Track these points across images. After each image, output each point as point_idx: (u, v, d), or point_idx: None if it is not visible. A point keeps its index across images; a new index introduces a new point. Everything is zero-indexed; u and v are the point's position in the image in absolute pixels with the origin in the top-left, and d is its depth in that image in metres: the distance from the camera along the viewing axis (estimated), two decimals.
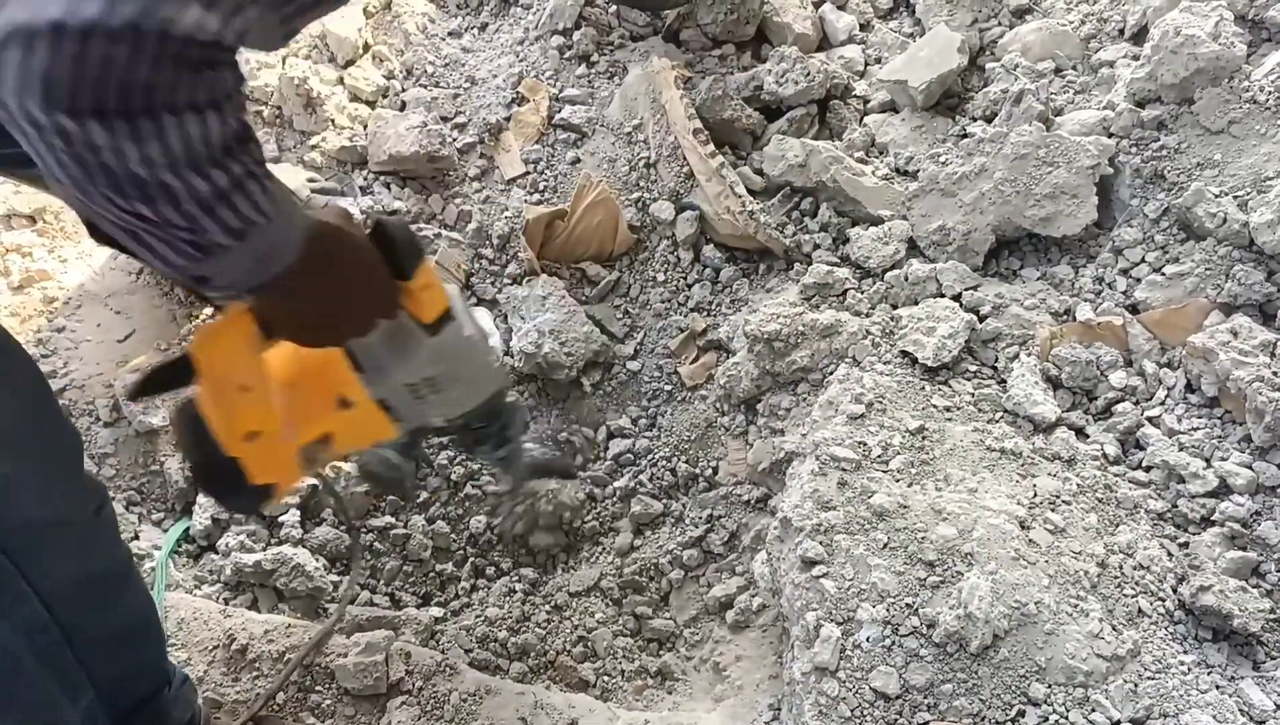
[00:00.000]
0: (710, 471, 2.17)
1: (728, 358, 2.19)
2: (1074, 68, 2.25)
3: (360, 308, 1.17)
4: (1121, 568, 1.61)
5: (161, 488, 2.12)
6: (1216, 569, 1.58)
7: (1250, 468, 1.67)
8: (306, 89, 2.53)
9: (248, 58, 2.61)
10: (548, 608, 2.11)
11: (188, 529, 2.02)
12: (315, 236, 1.03)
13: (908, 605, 1.56)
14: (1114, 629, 1.53)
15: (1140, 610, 1.57)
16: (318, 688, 1.76)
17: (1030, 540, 1.60)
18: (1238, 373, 1.69)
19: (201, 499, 2.05)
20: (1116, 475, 1.74)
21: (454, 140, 2.50)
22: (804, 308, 2.08)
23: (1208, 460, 1.71)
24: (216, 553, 2.01)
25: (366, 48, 2.71)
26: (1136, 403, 1.82)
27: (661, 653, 2.06)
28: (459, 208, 2.45)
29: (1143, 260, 1.94)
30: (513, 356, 2.26)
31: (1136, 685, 1.49)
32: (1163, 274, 1.89)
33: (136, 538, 1.99)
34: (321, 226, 1.06)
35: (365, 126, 2.55)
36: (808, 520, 1.69)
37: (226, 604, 1.92)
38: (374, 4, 2.76)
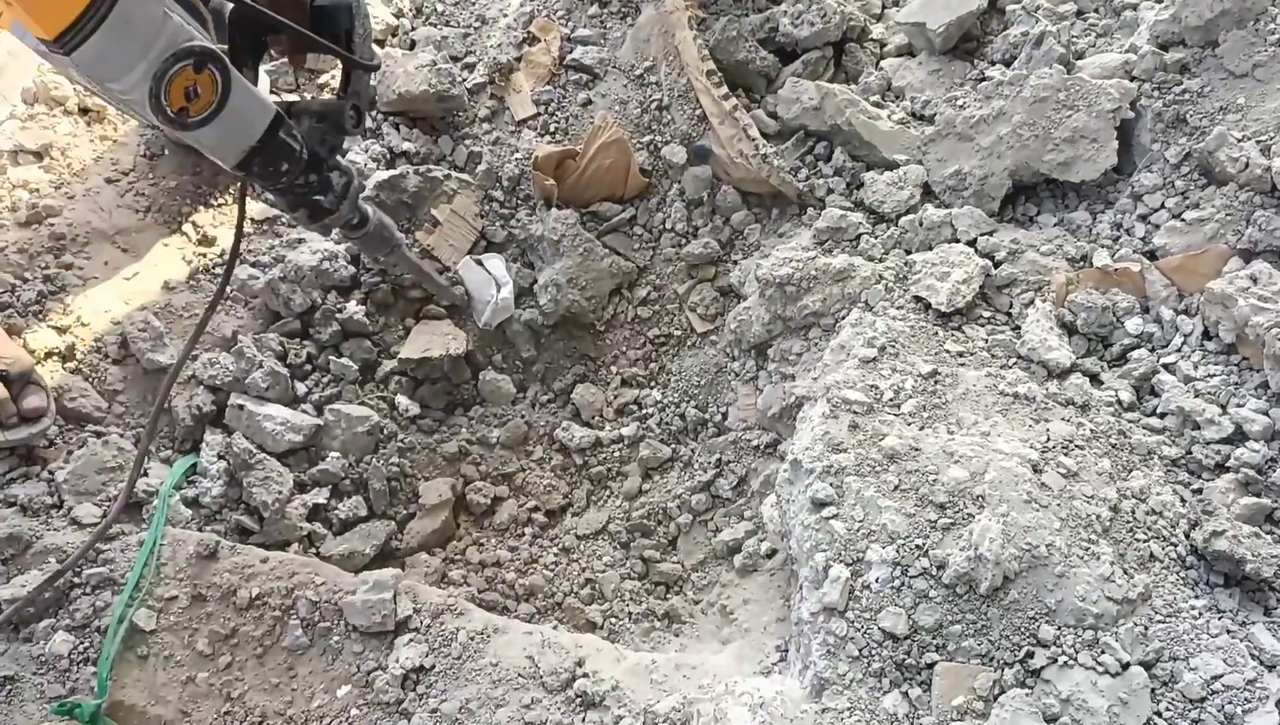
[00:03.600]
0: (719, 417, 2.17)
1: (739, 303, 2.18)
2: (1096, 10, 2.21)
3: None
4: (1134, 512, 1.60)
5: (169, 425, 2.11)
6: (1230, 515, 1.57)
7: (1267, 414, 1.65)
8: None
9: None
10: (556, 550, 2.12)
11: (194, 464, 2.02)
12: None
13: (917, 547, 1.56)
14: (1125, 573, 1.52)
15: (1152, 555, 1.56)
16: (325, 622, 1.77)
17: (1042, 484, 1.59)
18: (1256, 318, 1.66)
19: (208, 437, 2.05)
20: (1131, 422, 1.73)
21: (464, 80, 2.47)
22: (816, 252, 2.06)
23: (1223, 407, 1.69)
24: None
25: None
26: (1153, 349, 1.80)
27: (669, 596, 2.06)
28: (469, 149, 2.43)
29: (1162, 206, 1.91)
30: (539, 304, 2.26)
31: (1147, 628, 1.48)
32: (1182, 220, 1.86)
33: (145, 473, 1.98)
34: None
35: None
36: (818, 462, 1.68)
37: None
38: None
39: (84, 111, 2.47)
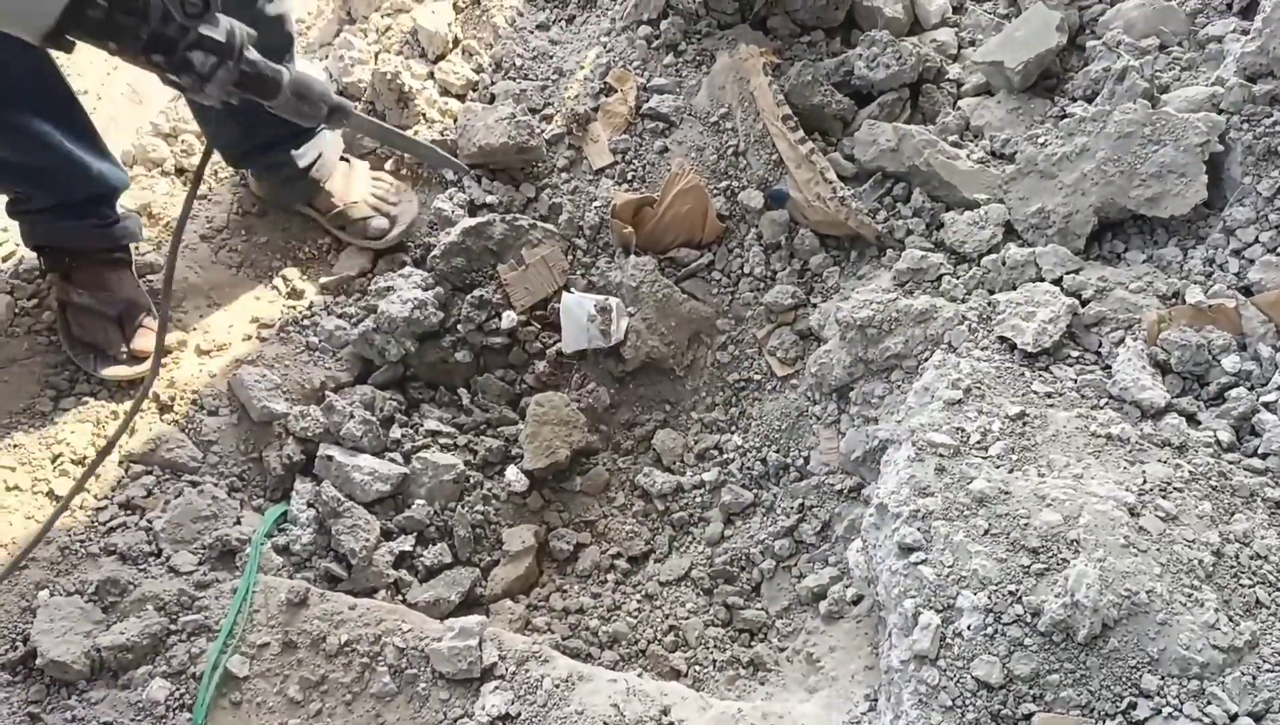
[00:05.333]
0: (801, 461, 2.15)
1: (819, 346, 2.16)
2: (1179, 44, 2.17)
3: None
4: (1238, 557, 1.54)
5: (261, 475, 2.17)
6: None
7: None
8: (399, 84, 2.57)
9: (340, 54, 2.67)
10: (639, 596, 2.11)
11: (285, 513, 2.06)
12: None
13: (1010, 593, 1.52)
14: (1230, 620, 1.47)
15: (1258, 601, 1.50)
16: (411, 669, 1.78)
17: (1140, 528, 1.55)
18: None
19: (298, 486, 2.10)
20: (1231, 463, 1.67)
21: (542, 131, 2.52)
22: (897, 294, 2.05)
23: None
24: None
25: (456, 42, 2.74)
26: (1251, 388, 1.75)
27: (753, 643, 2.04)
28: (549, 200, 2.47)
29: (1256, 240, 1.86)
30: (622, 350, 2.29)
31: (1255, 678, 1.43)
32: (1277, 254, 1.81)
33: (239, 522, 2.03)
34: None
35: (455, 120, 2.58)
36: (905, 506, 1.65)
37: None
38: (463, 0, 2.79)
39: (180, 172, 2.56)
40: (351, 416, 2.15)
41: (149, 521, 2.00)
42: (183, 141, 2.60)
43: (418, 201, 2.51)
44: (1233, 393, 1.74)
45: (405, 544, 2.07)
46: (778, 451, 2.19)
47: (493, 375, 2.33)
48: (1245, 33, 2.04)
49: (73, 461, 2.07)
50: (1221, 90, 1.97)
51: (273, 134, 2.28)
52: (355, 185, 2.48)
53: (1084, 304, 1.91)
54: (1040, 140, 2.11)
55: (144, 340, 2.20)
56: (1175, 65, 2.13)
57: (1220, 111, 1.96)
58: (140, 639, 1.79)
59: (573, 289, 2.34)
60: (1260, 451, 1.68)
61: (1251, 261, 1.84)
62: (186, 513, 2.00)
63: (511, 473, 2.18)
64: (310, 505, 2.07)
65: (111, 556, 1.95)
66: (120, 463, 2.08)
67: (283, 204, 2.51)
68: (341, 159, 2.50)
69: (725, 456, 2.24)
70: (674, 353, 2.31)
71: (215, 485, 2.07)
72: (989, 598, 1.52)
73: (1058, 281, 1.96)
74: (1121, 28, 2.23)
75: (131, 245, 2.29)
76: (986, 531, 1.59)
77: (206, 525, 2.00)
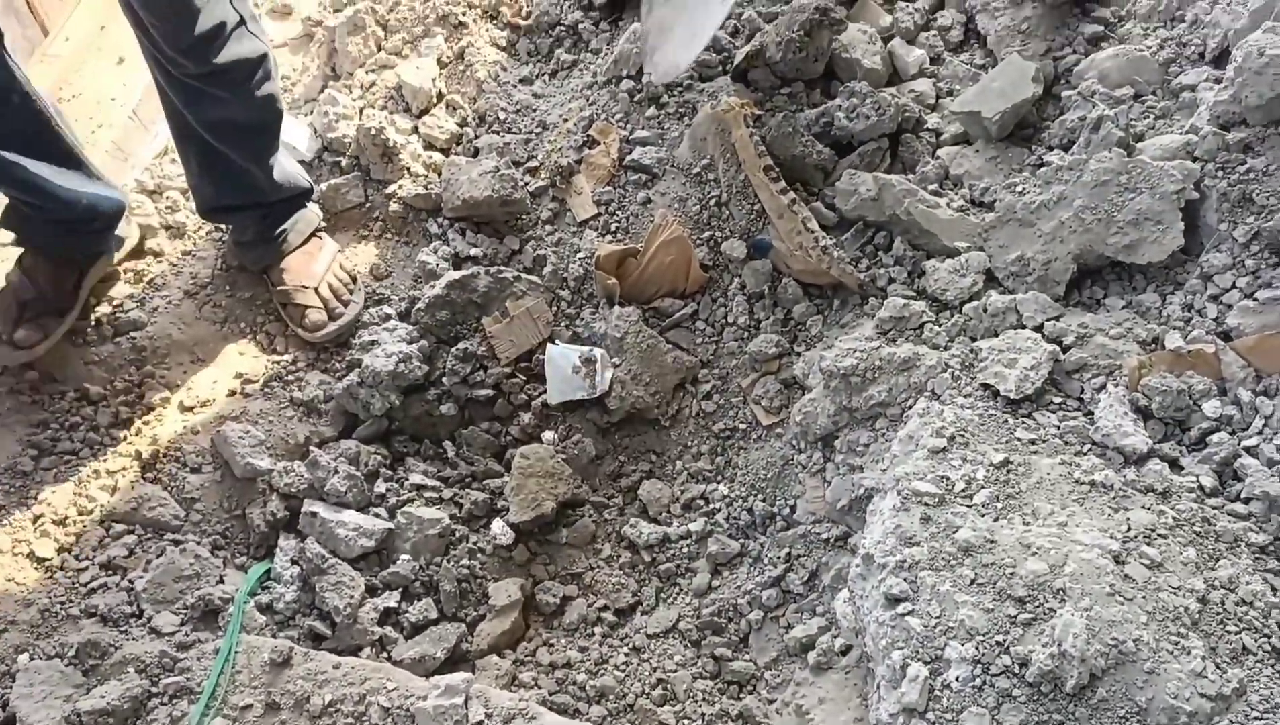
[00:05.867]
0: (788, 510, 2.14)
1: (803, 395, 2.17)
2: (1153, 93, 2.20)
3: None
4: (1223, 603, 1.54)
5: (245, 533, 2.15)
6: None
7: None
8: (383, 139, 2.59)
9: (325, 110, 2.69)
10: (626, 649, 2.09)
11: (268, 571, 2.04)
12: None
13: (998, 643, 1.51)
14: (1218, 667, 1.46)
15: (1245, 648, 1.50)
16: None
17: (1126, 575, 1.54)
18: None
19: (282, 543, 2.08)
20: (1214, 508, 1.68)
21: (526, 184, 2.53)
22: (880, 342, 2.05)
23: None
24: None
25: (440, 97, 2.77)
26: (1233, 432, 1.75)
27: (742, 695, 2.02)
28: (534, 252, 2.48)
29: (1233, 286, 1.87)
30: (607, 401, 2.28)
31: None
32: (1255, 299, 1.82)
33: (221, 581, 2.02)
34: None
35: (439, 173, 2.60)
36: (891, 556, 1.65)
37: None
38: (447, 54, 2.82)
39: (166, 228, 2.57)
40: (336, 472, 2.14)
41: (130, 582, 1.99)
42: (168, 198, 2.61)
43: (364, 299, 2.47)
44: (1214, 437, 1.75)
45: (390, 600, 2.06)
46: (764, 501, 2.19)
47: (478, 427, 2.32)
48: (1218, 81, 2.07)
49: (54, 522, 2.06)
50: (1196, 138, 2.00)
51: (242, 197, 2.31)
52: (314, 268, 2.45)
53: (1065, 350, 1.92)
54: (1019, 188, 2.13)
55: (30, 332, 2.23)
56: (1150, 114, 2.16)
57: (1195, 159, 1.98)
58: (121, 703, 1.77)
59: (557, 341, 2.34)
60: (1243, 496, 1.69)
61: (1229, 307, 1.86)
62: (168, 572, 1.98)
63: (497, 526, 2.17)
64: (294, 562, 2.06)
65: (92, 618, 1.93)
66: (102, 522, 2.07)
67: (242, 263, 2.52)
68: (315, 235, 2.50)
69: (712, 506, 2.23)
70: (659, 403, 2.31)
71: (198, 544, 2.06)
72: (976, 648, 1.51)
73: (1039, 328, 1.97)
74: (1096, 77, 2.26)
75: (101, 256, 2.35)
76: (973, 581, 1.58)
77: (189, 585, 1.98)
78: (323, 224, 2.53)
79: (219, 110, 2.15)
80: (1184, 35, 2.23)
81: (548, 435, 2.29)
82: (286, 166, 2.38)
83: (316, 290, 2.42)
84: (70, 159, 2.16)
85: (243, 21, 2.05)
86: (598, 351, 2.26)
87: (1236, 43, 2.01)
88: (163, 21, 1.96)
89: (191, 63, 2.03)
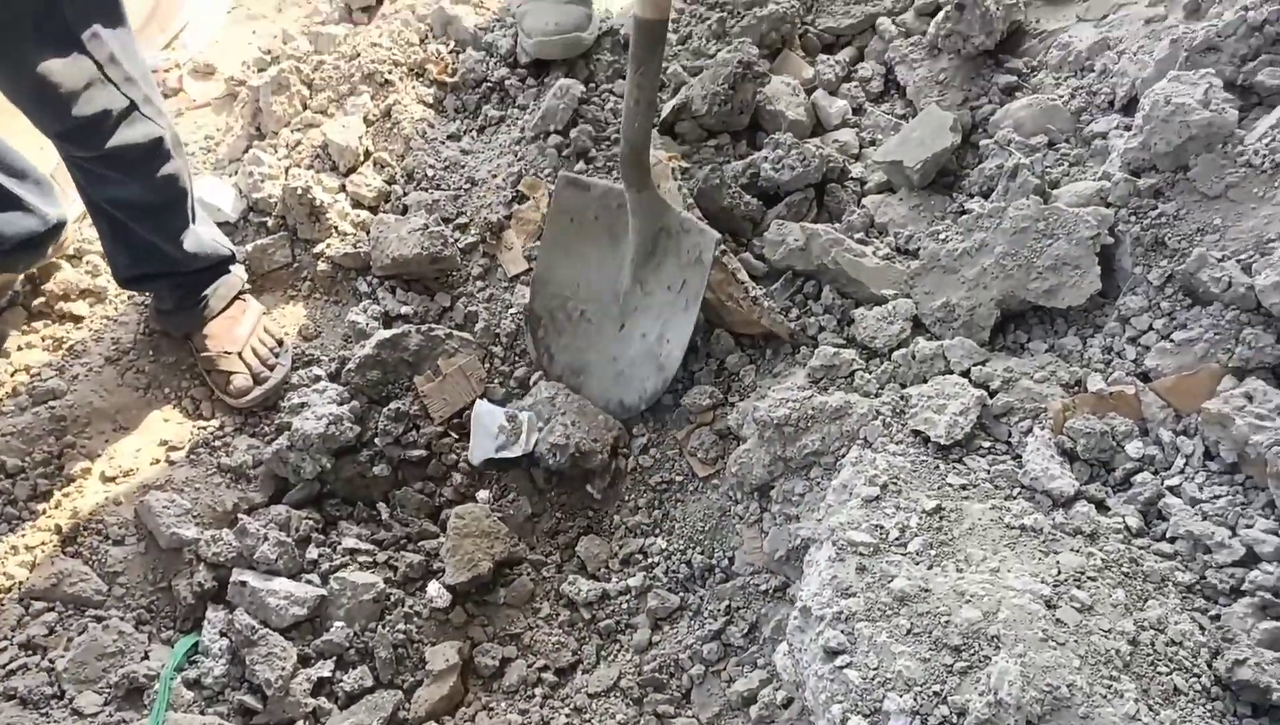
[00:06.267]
0: (726, 562, 2.14)
1: (738, 445, 2.17)
2: (1067, 141, 2.27)
3: None
4: (1154, 644, 1.56)
5: (171, 605, 2.09)
6: (1250, 641, 1.54)
7: (1277, 534, 1.63)
8: (310, 198, 2.57)
9: (250, 170, 2.66)
10: (567, 710, 2.06)
11: (195, 644, 1.99)
12: None
13: (935, 693, 1.51)
14: (1150, 709, 1.48)
15: (1176, 688, 1.51)
16: None
17: (1058, 619, 1.56)
18: (1256, 437, 1.66)
19: (210, 614, 2.03)
20: (1141, 548, 1.70)
21: (456, 240, 2.52)
22: (812, 391, 2.07)
23: (1233, 528, 1.67)
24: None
25: (367, 155, 2.75)
26: (1155, 472, 1.79)
27: None
28: (465, 309, 2.47)
29: (1150, 328, 1.92)
30: (545, 458, 2.25)
31: None
32: (1171, 341, 1.87)
33: (146, 657, 1.95)
34: None
35: (368, 232, 2.58)
36: (828, 609, 1.65)
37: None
38: (374, 112, 2.81)
39: (85, 293, 2.52)
40: (265, 538, 2.09)
41: (51, 661, 1.92)
42: (88, 263, 2.56)
43: (290, 361, 2.45)
44: (1138, 478, 1.78)
45: (324, 669, 2.01)
46: (702, 553, 2.18)
47: (411, 488, 2.29)
48: (1128, 129, 2.13)
49: None
50: (1109, 184, 2.05)
51: (157, 267, 2.28)
52: (237, 332, 2.42)
53: (992, 395, 1.95)
54: (942, 236, 2.17)
55: None
56: (1064, 161, 2.22)
57: (1109, 205, 2.03)
58: None
59: (488, 399, 2.33)
60: (1168, 535, 1.72)
61: (1147, 348, 1.90)
62: (91, 650, 1.92)
63: (433, 588, 2.13)
64: (223, 634, 2.00)
65: (11, 701, 1.86)
66: (20, 600, 2.00)
67: (164, 329, 2.48)
68: (239, 298, 2.46)
69: (650, 560, 2.22)
70: (601, 449, 2.28)
71: (122, 619, 2.00)
72: (914, 699, 1.51)
73: (966, 373, 2.00)
74: (1011, 126, 2.32)
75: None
76: (909, 631, 1.59)
77: (112, 662, 1.92)
78: (247, 287, 2.50)
79: (117, 190, 2.12)
80: (1094, 84, 2.30)
81: (482, 494, 2.26)
82: (203, 236, 2.34)
83: (240, 355, 2.38)
84: None
85: (134, 107, 2.00)
86: (525, 413, 2.25)
87: (1144, 91, 2.08)
88: (34, 111, 1.93)
89: (76, 147, 2.01)
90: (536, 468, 2.28)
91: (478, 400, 2.31)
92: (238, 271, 2.47)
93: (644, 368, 2.28)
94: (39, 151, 2.34)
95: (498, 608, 2.20)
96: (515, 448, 2.22)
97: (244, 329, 2.42)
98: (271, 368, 2.41)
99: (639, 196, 2.22)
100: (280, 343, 2.46)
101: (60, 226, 2.36)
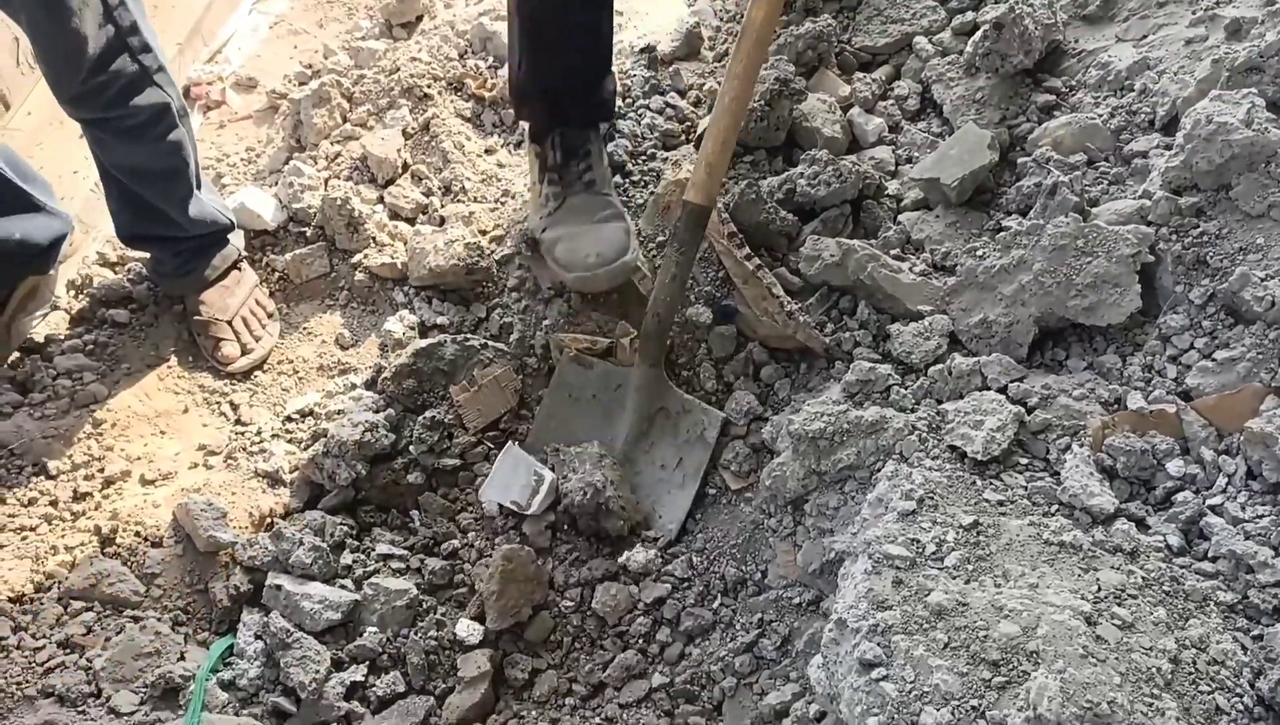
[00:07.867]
0: (759, 575, 2.13)
1: (772, 459, 2.17)
2: (1106, 159, 2.26)
3: None
4: (1195, 663, 1.54)
5: (207, 608, 2.11)
6: None
7: None
8: (349, 209, 2.60)
9: (290, 181, 2.69)
10: (598, 720, 2.06)
11: (231, 646, 2.00)
12: None
13: (973, 708, 1.50)
14: None
15: (1218, 708, 1.50)
16: None
17: (1098, 636, 1.55)
18: None
19: (245, 617, 2.04)
20: (1182, 567, 1.69)
21: (492, 252, 2.54)
22: (848, 405, 2.07)
23: (1276, 549, 1.65)
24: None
25: (405, 167, 2.78)
26: (1197, 492, 1.77)
27: None
28: (500, 320, 2.48)
29: (1191, 347, 1.91)
30: (568, 507, 2.23)
31: None
32: (1213, 360, 1.86)
33: (183, 657, 1.97)
34: None
35: (405, 243, 2.60)
36: (864, 621, 1.64)
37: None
38: (412, 126, 2.84)
39: (126, 300, 2.55)
40: (301, 543, 2.11)
41: (89, 660, 1.94)
42: (129, 270, 2.59)
43: (279, 331, 2.56)
44: (1179, 497, 1.77)
45: (357, 674, 2.02)
46: (735, 566, 2.18)
47: (435, 494, 2.30)
48: (1168, 148, 2.13)
49: (10, 599, 2.01)
50: (1149, 203, 2.05)
51: (159, 230, 2.38)
52: (229, 301, 2.51)
53: (1030, 412, 1.94)
54: (979, 253, 2.17)
55: None
56: (1103, 180, 2.21)
57: (1149, 223, 2.03)
58: None
59: (517, 443, 2.32)
60: (1210, 554, 1.70)
61: (1189, 367, 1.89)
62: (128, 650, 1.93)
63: (464, 628, 2.08)
64: (258, 637, 2.01)
65: (49, 699, 1.88)
66: (59, 599, 2.02)
67: (160, 287, 2.58)
68: (235, 266, 2.56)
69: (683, 572, 2.22)
70: (625, 512, 2.24)
71: (159, 620, 2.01)
72: (952, 713, 1.50)
73: (1003, 390, 1.99)
74: (1050, 145, 2.32)
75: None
76: (946, 644, 1.58)
77: (149, 662, 1.93)
78: (243, 255, 2.59)
79: (123, 155, 2.24)
80: (1133, 104, 2.29)
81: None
82: (206, 204, 2.44)
83: (230, 323, 2.48)
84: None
85: (146, 74, 2.13)
86: (549, 475, 2.23)
87: (1185, 110, 2.07)
88: (61, 69, 2.04)
89: (88, 111, 2.13)
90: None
91: (512, 443, 2.30)
92: (236, 241, 2.57)
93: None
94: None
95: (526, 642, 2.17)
96: (527, 506, 2.22)
97: (236, 299, 2.51)
98: (259, 338, 2.52)
99: (648, 372, 2.25)
100: (271, 315, 2.58)
101: (71, 224, 2.47)
